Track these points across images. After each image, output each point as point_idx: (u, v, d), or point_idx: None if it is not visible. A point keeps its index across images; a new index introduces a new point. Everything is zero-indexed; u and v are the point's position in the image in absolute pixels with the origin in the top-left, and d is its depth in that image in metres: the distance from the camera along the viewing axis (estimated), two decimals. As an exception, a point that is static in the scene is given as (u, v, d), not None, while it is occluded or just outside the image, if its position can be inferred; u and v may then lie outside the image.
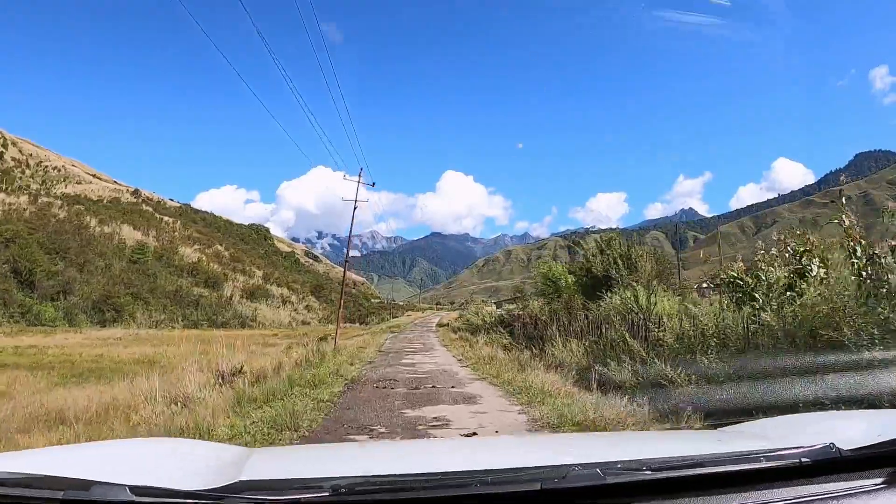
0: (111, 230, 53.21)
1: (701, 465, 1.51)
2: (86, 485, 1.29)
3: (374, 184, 28.94)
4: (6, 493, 1.28)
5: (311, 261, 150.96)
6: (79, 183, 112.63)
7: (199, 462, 1.88)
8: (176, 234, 69.88)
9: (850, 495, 1.46)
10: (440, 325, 44.14)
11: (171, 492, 1.32)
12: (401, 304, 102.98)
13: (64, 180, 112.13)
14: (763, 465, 1.52)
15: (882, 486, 1.50)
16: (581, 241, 28.22)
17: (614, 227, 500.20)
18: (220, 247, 70.69)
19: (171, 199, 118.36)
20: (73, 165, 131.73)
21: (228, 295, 46.99)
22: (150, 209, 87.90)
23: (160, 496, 1.30)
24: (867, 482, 1.51)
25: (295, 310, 53.81)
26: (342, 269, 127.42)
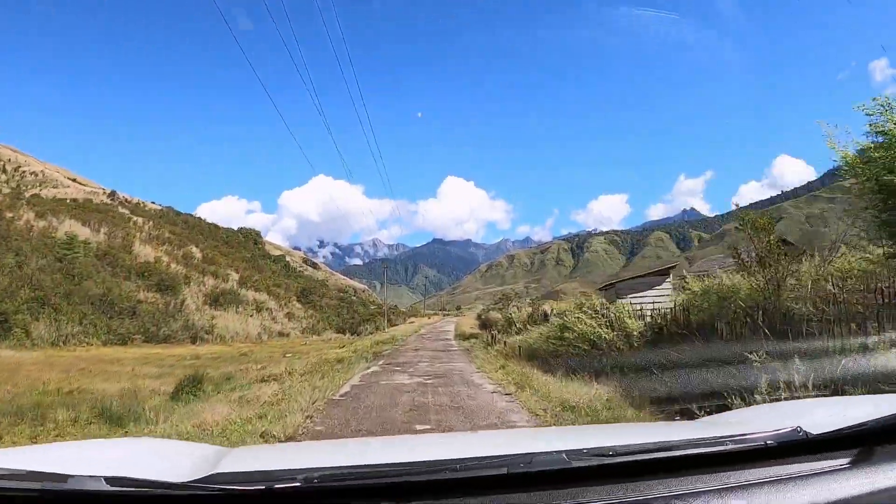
0: (46, 223, 42.25)
1: (667, 449, 1.52)
2: (63, 477, 1.30)
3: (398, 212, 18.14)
4: None
5: (309, 267, 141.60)
6: (55, 187, 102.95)
7: (175, 458, 1.85)
8: (141, 233, 59.15)
9: (816, 475, 1.47)
10: (461, 335, 31.44)
11: (147, 482, 1.32)
12: (403, 310, 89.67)
13: (40, 185, 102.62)
14: (729, 448, 1.52)
15: (848, 466, 1.51)
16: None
17: (616, 228, 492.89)
18: (194, 248, 59.85)
19: (153, 203, 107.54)
20: (56, 171, 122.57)
21: (181, 301, 35.56)
22: (127, 211, 78.14)
23: (136, 486, 1.30)
24: (833, 462, 1.52)
25: (273, 318, 42.65)
26: (342, 277, 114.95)
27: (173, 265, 46.66)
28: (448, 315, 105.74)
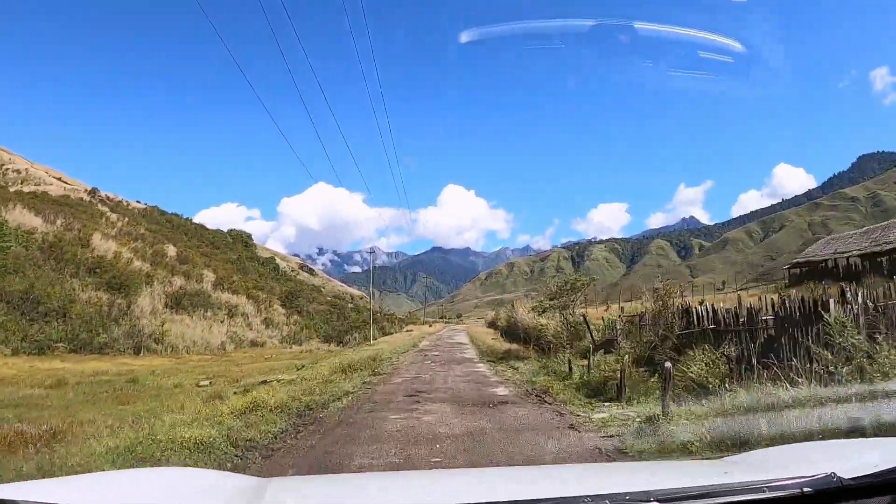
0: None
1: (706, 495, 1.52)
2: None
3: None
4: None
5: (305, 273, 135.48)
6: (37, 184, 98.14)
7: (217, 493, 1.78)
8: (113, 228, 52.90)
9: None
10: (486, 352, 21.61)
11: None
12: (400, 317, 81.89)
13: (21, 182, 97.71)
14: (766, 496, 1.52)
15: None
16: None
17: (617, 237, 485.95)
18: (170, 246, 53.46)
19: (138, 202, 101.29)
20: (43, 171, 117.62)
21: (128, 303, 28.78)
22: (107, 209, 72.17)
23: None
24: None
25: (248, 325, 35.83)
26: (339, 283, 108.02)
27: (138, 262, 39.96)
28: (449, 322, 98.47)
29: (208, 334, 28.50)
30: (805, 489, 1.51)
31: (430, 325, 67.63)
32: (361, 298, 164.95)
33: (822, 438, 5.34)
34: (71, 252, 34.97)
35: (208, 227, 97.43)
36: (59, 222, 41.80)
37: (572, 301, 20.91)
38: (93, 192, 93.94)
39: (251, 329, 35.51)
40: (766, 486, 1.54)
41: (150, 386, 11.83)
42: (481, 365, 18.29)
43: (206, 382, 11.87)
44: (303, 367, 15.65)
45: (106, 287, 31.70)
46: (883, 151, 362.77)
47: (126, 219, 65.58)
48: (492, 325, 44.10)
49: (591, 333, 17.43)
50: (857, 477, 1.54)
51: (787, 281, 42.79)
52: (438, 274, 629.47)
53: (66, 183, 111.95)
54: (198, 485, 1.91)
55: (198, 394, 10.59)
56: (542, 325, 21.34)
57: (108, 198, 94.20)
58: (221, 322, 34.14)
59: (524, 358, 18.03)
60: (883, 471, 1.55)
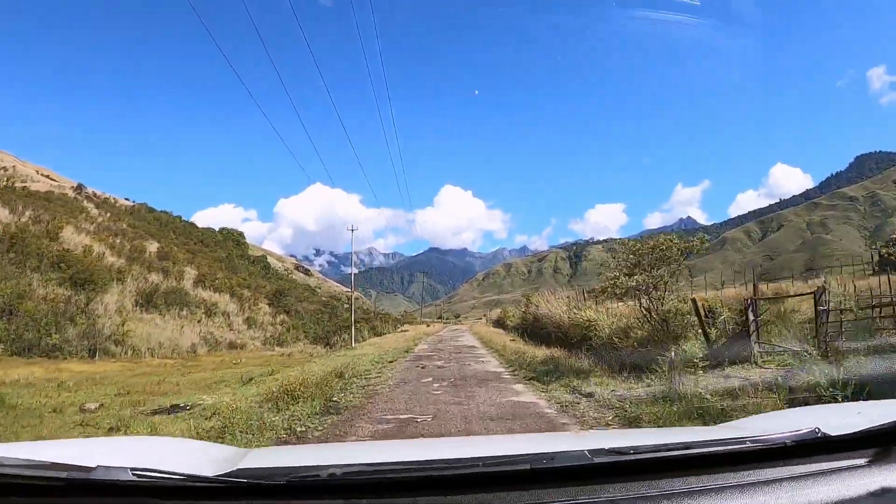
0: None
1: (687, 448, 1.52)
2: (88, 469, 1.29)
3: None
4: (10, 472, 1.27)
5: (301, 273, 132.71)
6: (23, 181, 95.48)
7: (198, 455, 1.86)
8: (93, 224, 49.86)
9: (835, 472, 1.47)
10: (516, 363, 14.75)
11: (172, 474, 1.31)
12: (396, 316, 76.40)
13: (7, 178, 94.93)
14: (748, 447, 1.52)
15: (865, 465, 1.51)
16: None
17: (614, 237, 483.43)
18: (152, 242, 50.40)
19: (127, 199, 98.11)
20: (34, 169, 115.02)
21: (87, 301, 25.54)
22: (92, 205, 69.22)
23: (161, 477, 1.29)
24: (851, 462, 1.52)
25: (229, 325, 32.59)
26: (335, 283, 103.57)
27: (112, 258, 36.78)
28: (448, 323, 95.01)
29: (179, 335, 25.27)
30: (787, 442, 1.52)
31: (429, 325, 60.20)
32: (357, 298, 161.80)
33: None
34: (35, 245, 31.79)
35: (199, 225, 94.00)
36: (27, 214, 38.70)
37: (661, 280, 12.93)
38: (79, 188, 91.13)
39: (231, 329, 32.26)
40: (749, 440, 1.54)
41: (21, 407, 8.64)
42: (518, 386, 11.38)
43: (95, 405, 8.57)
44: (251, 380, 11.92)
45: (70, 283, 28.47)
46: (881, 151, 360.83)
47: (108, 214, 62.43)
48: (499, 323, 39.99)
49: (705, 329, 11.40)
50: (842, 434, 1.55)
51: (875, 266, 36.14)
52: (435, 275, 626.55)
53: (53, 180, 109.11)
54: (183, 449, 1.99)
55: (62, 424, 7.43)
56: (589, 320, 16.13)
57: (94, 194, 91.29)
58: (198, 322, 30.88)
59: (583, 371, 11.36)
60: (868, 427, 1.57)
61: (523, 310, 28.03)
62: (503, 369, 14.54)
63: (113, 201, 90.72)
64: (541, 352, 15.38)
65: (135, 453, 1.79)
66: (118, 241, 45.55)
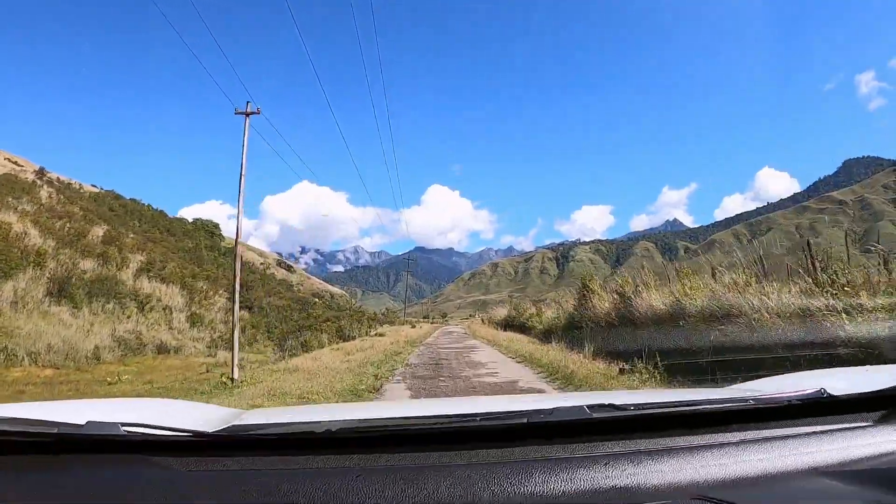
0: None
1: (689, 405, 1.49)
2: (78, 425, 1.27)
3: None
4: (6, 429, 1.25)
5: (283, 270, 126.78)
6: None
7: (192, 414, 1.84)
8: (38, 205, 44.06)
9: (839, 431, 1.45)
10: None
11: (163, 428, 1.29)
12: (378, 314, 67.66)
13: None
14: (751, 405, 1.49)
15: (870, 425, 1.49)
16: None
17: (601, 238, 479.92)
18: (102, 226, 44.39)
19: (94, 186, 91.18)
20: (4, 157, 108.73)
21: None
22: (53, 190, 63.22)
23: (151, 433, 1.28)
24: (856, 423, 1.50)
25: (168, 321, 26.37)
26: (318, 281, 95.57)
27: (38, 239, 30.52)
28: (437, 323, 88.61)
29: (82, 336, 19.19)
30: (792, 401, 1.49)
31: (414, 327, 47.41)
32: (342, 296, 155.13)
33: None
34: (-70, 222, 25.54)
35: (168, 214, 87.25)
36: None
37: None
38: (40, 172, 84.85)
39: (170, 328, 26.12)
40: (753, 399, 1.50)
41: None
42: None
43: None
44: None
45: (-39, 267, 22.27)
46: (868, 156, 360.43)
47: (61, 197, 56.05)
48: (506, 324, 30.99)
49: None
50: (847, 394, 1.52)
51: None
52: (422, 274, 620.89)
53: (19, 165, 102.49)
54: (177, 409, 1.98)
55: None
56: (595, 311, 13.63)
57: (58, 179, 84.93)
58: (128, 318, 24.79)
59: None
60: (874, 390, 1.53)
61: (574, 303, 17.73)
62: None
63: (78, 186, 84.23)
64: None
65: (129, 412, 1.75)
66: (59, 223, 39.32)
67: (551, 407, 1.45)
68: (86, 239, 37.60)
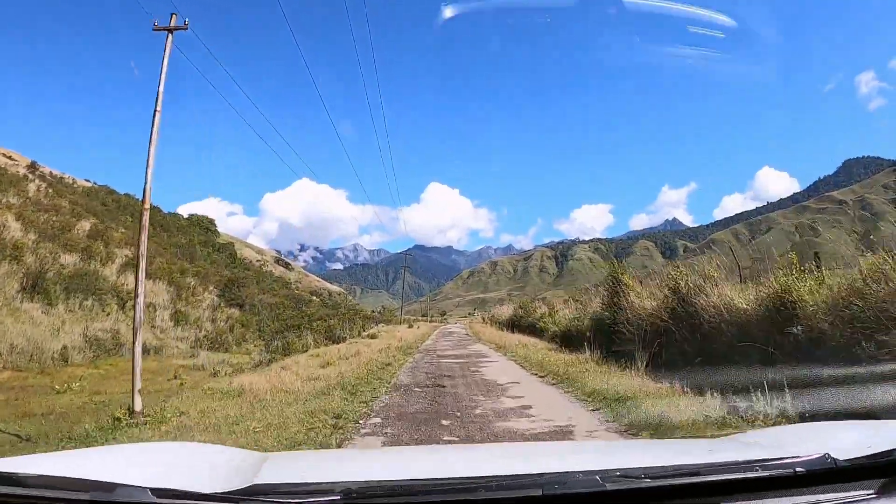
0: None
1: (697, 473, 1.50)
2: (110, 487, 1.27)
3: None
4: (32, 493, 1.25)
5: (281, 267, 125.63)
6: None
7: (215, 466, 1.84)
8: (20, 199, 42.77)
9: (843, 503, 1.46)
10: None
11: (190, 494, 1.30)
12: (372, 313, 63.53)
13: None
14: (758, 475, 1.49)
15: (874, 496, 1.49)
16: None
17: (600, 237, 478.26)
18: (92, 220, 43.28)
19: (88, 181, 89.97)
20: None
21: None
22: (45, 184, 62.04)
23: (180, 498, 1.29)
24: (860, 492, 1.50)
25: (151, 321, 25.00)
26: (316, 278, 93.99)
27: (17, 232, 29.16)
28: (436, 322, 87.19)
29: (50, 335, 17.70)
30: (797, 469, 1.49)
31: (412, 326, 44.49)
32: (339, 294, 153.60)
33: None
34: None
35: (163, 210, 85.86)
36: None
37: None
38: (32, 166, 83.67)
39: (152, 327, 24.62)
40: (759, 465, 1.51)
41: None
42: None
43: None
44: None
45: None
46: (869, 156, 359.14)
47: (50, 190, 54.68)
48: (512, 324, 28.50)
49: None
50: (851, 458, 1.52)
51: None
52: (421, 272, 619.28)
53: (9, 159, 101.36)
54: (205, 459, 1.97)
55: None
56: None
57: (50, 174, 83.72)
58: (108, 315, 23.36)
59: None
60: (876, 453, 1.54)
61: (603, 301, 14.96)
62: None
63: (71, 181, 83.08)
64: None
65: (156, 464, 1.77)
66: (44, 216, 37.90)
67: (564, 471, 1.49)
68: (70, 233, 36.20)
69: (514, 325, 28.12)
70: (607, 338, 12.75)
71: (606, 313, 14.03)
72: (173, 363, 18.45)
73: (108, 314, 23.64)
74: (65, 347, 17.09)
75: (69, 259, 28.66)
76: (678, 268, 11.87)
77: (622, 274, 13.89)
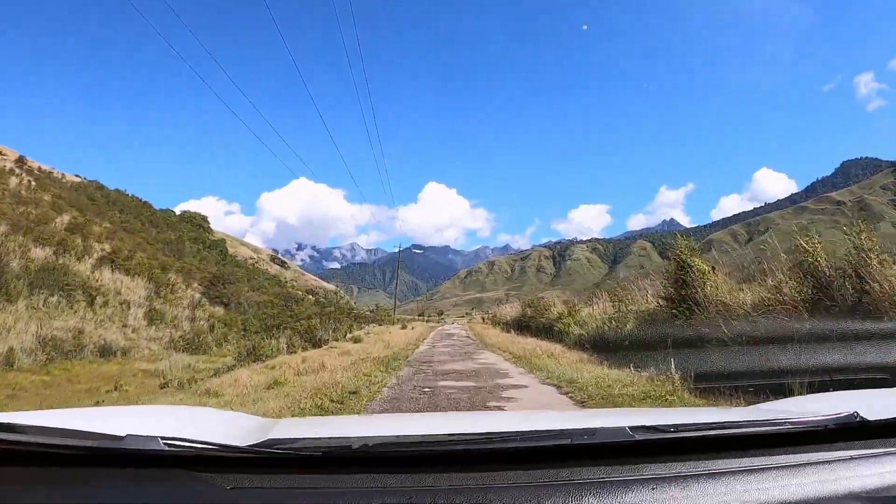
0: None
1: (727, 427, 1.51)
2: (117, 437, 1.25)
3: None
4: (45, 441, 1.22)
5: (277, 266, 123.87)
6: None
7: (229, 425, 1.84)
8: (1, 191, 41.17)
9: (872, 457, 1.45)
10: None
11: (203, 443, 1.28)
12: (367, 312, 60.84)
13: None
14: (787, 429, 1.50)
15: None
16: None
17: (598, 237, 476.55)
18: (73, 214, 41.42)
19: (77, 176, 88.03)
20: None
21: None
22: (31, 179, 60.34)
23: (194, 449, 1.27)
24: (889, 448, 1.49)
25: (122, 319, 23.14)
26: (312, 277, 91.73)
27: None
28: (431, 321, 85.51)
29: (7, 336, 15.84)
30: (827, 425, 1.49)
31: (405, 327, 40.59)
32: (334, 293, 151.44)
33: None
34: None
35: (154, 206, 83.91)
36: None
37: None
38: (20, 160, 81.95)
39: (123, 326, 22.74)
40: (788, 421, 1.51)
41: None
42: None
43: None
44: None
45: None
46: (867, 157, 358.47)
47: (32, 183, 52.83)
48: (519, 325, 25.85)
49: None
50: (881, 418, 1.52)
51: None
52: (418, 271, 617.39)
53: (2, 154, 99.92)
54: (213, 419, 1.99)
55: None
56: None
57: (39, 168, 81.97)
58: (75, 313, 21.52)
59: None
60: None
61: (667, 292, 11.00)
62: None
63: (59, 175, 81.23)
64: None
65: (164, 422, 1.74)
66: (21, 209, 36.00)
67: (593, 427, 1.46)
68: (47, 226, 34.26)
69: (522, 326, 25.33)
70: (674, 348, 9.05)
71: (673, 311, 10.25)
72: (136, 367, 16.54)
73: (76, 311, 21.75)
74: (11, 349, 15.15)
75: (40, 253, 26.76)
76: (809, 237, 8.30)
77: (691, 255, 10.29)
